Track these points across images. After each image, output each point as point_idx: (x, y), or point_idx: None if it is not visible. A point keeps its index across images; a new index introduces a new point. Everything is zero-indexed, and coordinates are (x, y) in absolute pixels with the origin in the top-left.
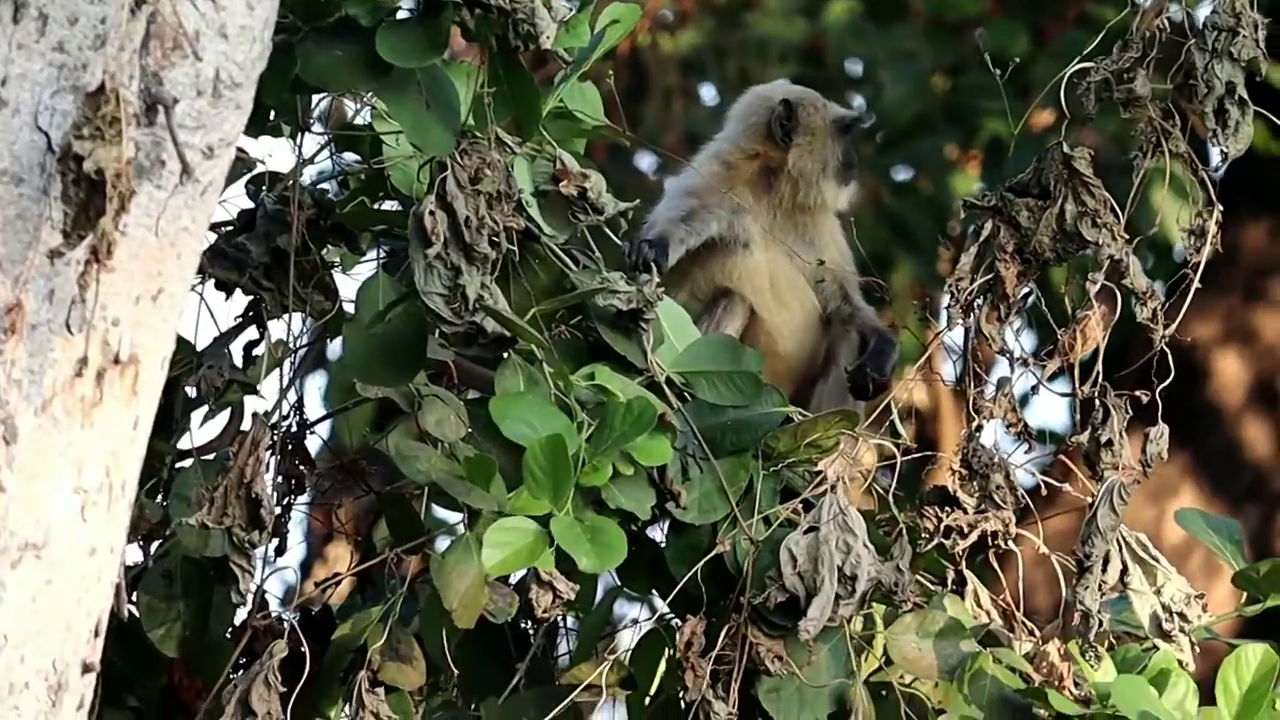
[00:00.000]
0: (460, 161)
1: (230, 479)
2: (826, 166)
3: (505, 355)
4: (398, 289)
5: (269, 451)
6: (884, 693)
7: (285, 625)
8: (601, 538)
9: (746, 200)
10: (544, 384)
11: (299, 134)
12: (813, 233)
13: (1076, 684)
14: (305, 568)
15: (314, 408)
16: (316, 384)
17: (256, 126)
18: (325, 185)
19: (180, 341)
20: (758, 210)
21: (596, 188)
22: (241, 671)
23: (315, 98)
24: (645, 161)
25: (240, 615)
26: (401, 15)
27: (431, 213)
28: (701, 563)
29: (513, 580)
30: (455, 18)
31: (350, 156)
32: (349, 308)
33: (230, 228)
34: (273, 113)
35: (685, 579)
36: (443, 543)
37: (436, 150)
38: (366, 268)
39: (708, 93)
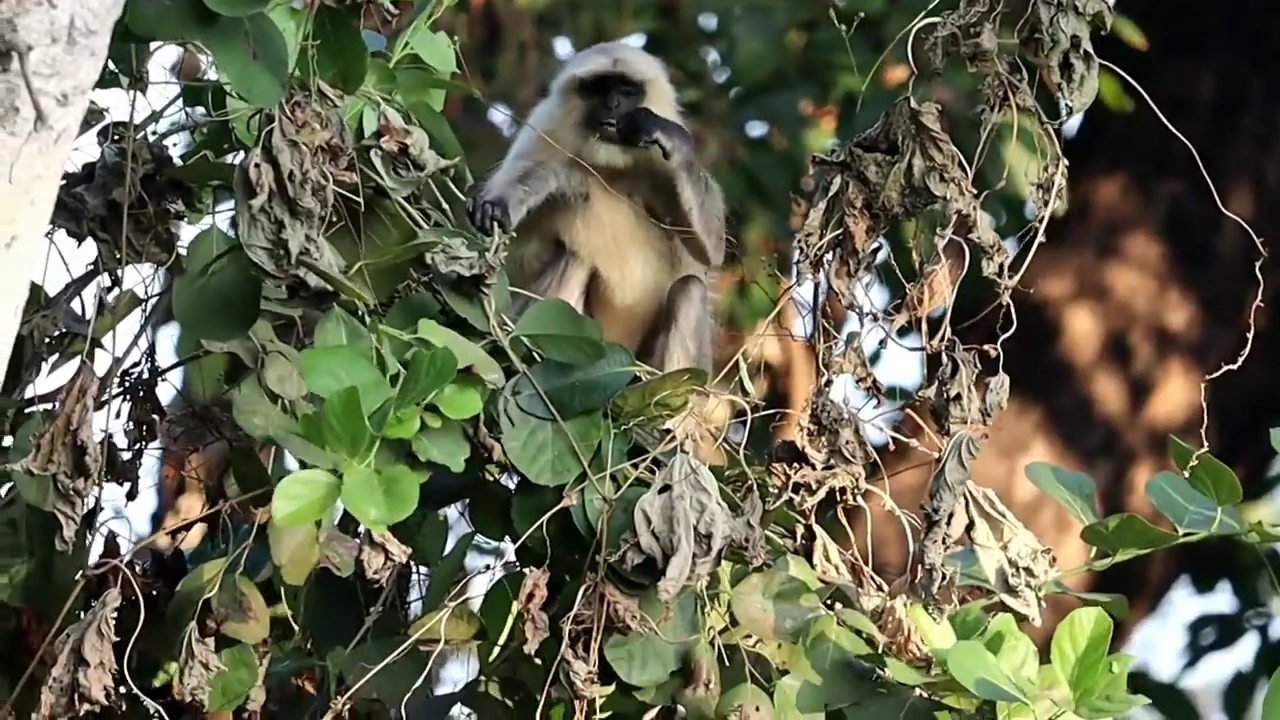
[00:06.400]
0: (288, 114)
1: (56, 426)
2: (576, 126)
3: (329, 308)
4: (230, 242)
5: (121, 398)
6: (730, 651)
7: (122, 573)
8: (396, 489)
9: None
10: (367, 338)
11: (134, 85)
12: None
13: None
14: (157, 519)
15: (168, 356)
16: (171, 333)
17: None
18: (175, 137)
19: (34, 289)
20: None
21: (418, 143)
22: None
23: (154, 47)
24: (500, 115)
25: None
26: None
27: (257, 165)
28: (544, 518)
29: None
30: None
31: (201, 109)
32: None
33: (72, 178)
34: (110, 63)
35: (528, 534)
36: None
37: (262, 101)
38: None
39: (562, 47)
